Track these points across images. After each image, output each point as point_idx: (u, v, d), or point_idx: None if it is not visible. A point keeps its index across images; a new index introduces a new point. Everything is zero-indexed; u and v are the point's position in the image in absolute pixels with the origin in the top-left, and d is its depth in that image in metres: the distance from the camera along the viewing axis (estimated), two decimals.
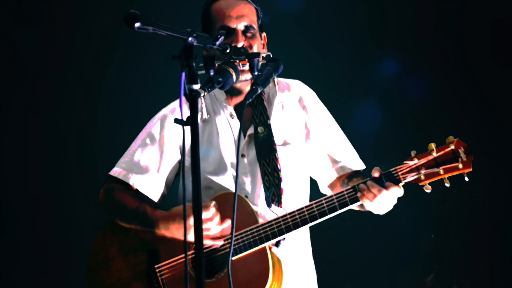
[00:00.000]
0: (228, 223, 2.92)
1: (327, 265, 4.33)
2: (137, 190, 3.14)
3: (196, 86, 2.34)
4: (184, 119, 2.30)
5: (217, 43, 2.63)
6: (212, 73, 2.67)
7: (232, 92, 3.14)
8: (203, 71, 2.86)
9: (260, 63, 2.98)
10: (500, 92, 4.30)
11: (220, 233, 2.92)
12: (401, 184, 2.86)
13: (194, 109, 2.31)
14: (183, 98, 2.31)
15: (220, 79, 2.69)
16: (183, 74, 2.31)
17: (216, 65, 2.81)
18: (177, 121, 2.32)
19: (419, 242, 4.40)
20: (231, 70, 2.79)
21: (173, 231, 2.97)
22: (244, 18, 3.06)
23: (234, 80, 2.80)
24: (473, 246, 4.35)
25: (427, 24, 4.41)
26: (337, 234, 4.40)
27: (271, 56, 3.03)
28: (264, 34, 3.17)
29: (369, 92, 4.44)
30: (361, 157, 3.20)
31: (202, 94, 2.51)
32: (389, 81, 4.42)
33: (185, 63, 2.33)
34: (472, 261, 4.35)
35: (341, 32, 4.45)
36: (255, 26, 3.09)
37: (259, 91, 2.83)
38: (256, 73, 2.91)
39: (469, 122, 4.31)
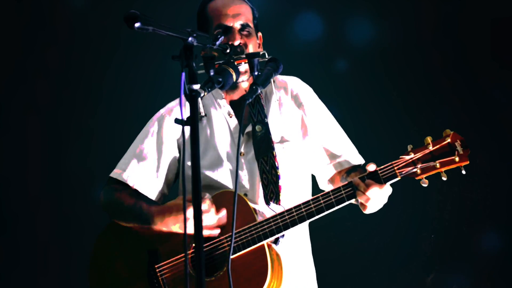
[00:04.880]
0: (224, 219, 2.94)
1: (327, 265, 4.33)
2: (136, 190, 3.15)
3: (196, 86, 2.34)
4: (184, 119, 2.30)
5: (217, 43, 2.63)
6: (212, 73, 2.67)
7: (230, 89, 3.13)
8: (203, 71, 2.87)
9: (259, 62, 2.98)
10: (500, 92, 4.30)
11: (217, 223, 2.93)
12: (397, 179, 2.85)
13: (194, 109, 2.31)
14: (183, 98, 2.31)
15: (220, 79, 2.69)
16: (183, 74, 2.31)
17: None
18: (177, 121, 2.33)
19: (419, 242, 4.40)
20: (231, 70, 2.78)
21: (169, 224, 2.98)
22: (240, 16, 3.07)
23: (234, 80, 2.80)
24: (473, 246, 4.35)
25: (427, 24, 4.41)
26: (337, 234, 4.40)
27: (266, 55, 3.03)
28: (260, 34, 3.18)
29: (369, 90, 4.44)
30: (361, 153, 3.19)
31: (202, 94, 2.51)
32: (389, 81, 4.42)
33: (185, 63, 2.33)
34: (472, 261, 4.35)
35: (340, 31, 4.45)
36: (251, 25, 3.10)
37: (259, 91, 2.84)
38: (256, 73, 2.91)
39: (469, 122, 4.31)
